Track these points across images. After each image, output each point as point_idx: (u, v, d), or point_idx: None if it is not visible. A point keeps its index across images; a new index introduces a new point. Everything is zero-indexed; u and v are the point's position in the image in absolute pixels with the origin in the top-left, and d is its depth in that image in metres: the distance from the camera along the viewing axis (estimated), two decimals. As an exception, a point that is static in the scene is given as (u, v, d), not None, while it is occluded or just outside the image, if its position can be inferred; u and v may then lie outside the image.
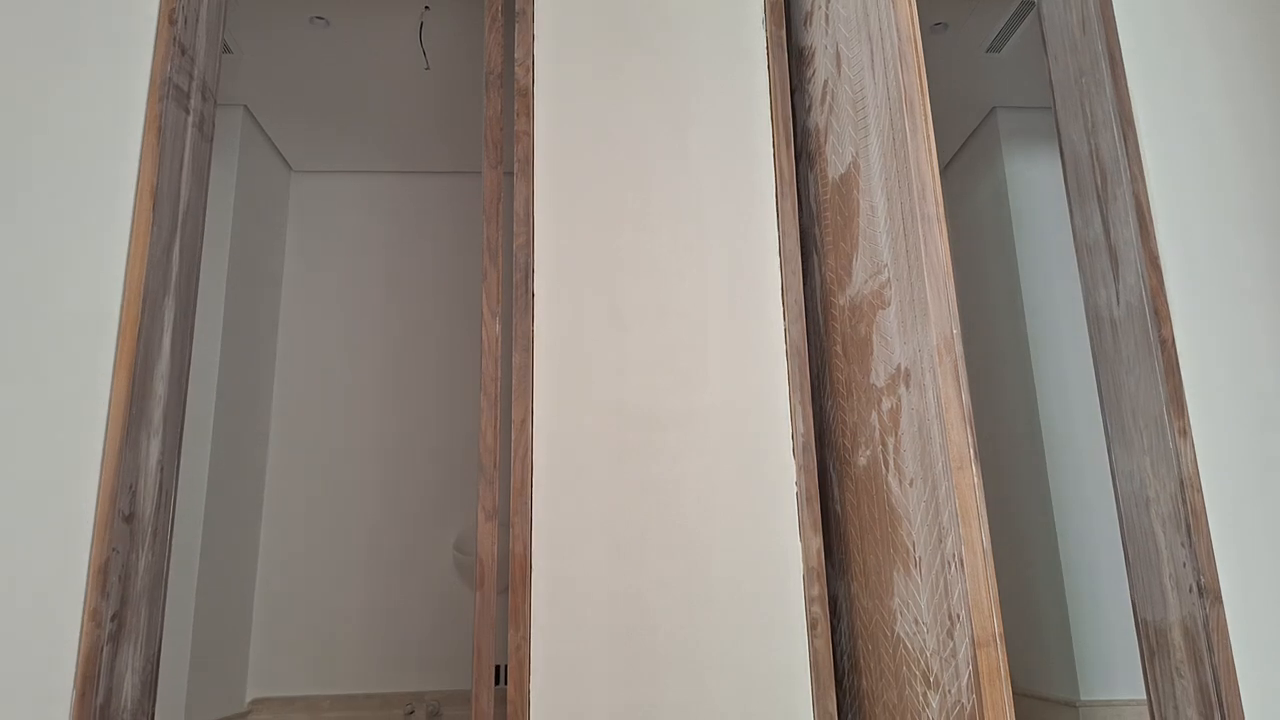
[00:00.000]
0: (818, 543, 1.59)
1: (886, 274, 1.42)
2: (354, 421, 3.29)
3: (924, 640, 1.27)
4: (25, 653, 1.37)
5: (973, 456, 1.18)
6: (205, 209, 1.74)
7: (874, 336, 1.47)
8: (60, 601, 1.39)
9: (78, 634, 1.38)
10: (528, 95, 1.78)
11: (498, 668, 2.84)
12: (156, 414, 1.54)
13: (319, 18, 2.60)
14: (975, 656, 1.11)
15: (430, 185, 3.55)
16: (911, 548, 1.31)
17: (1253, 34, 1.81)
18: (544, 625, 1.52)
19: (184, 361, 1.64)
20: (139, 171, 1.59)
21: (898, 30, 1.36)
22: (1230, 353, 1.62)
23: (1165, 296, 1.59)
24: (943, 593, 1.20)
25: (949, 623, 1.18)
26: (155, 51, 1.65)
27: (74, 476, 1.44)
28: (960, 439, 1.18)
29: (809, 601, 1.56)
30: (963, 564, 1.14)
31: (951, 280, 1.25)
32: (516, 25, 1.83)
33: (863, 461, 1.53)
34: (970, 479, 1.17)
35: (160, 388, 1.56)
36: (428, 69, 2.87)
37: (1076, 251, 1.77)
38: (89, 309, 1.52)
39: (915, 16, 1.35)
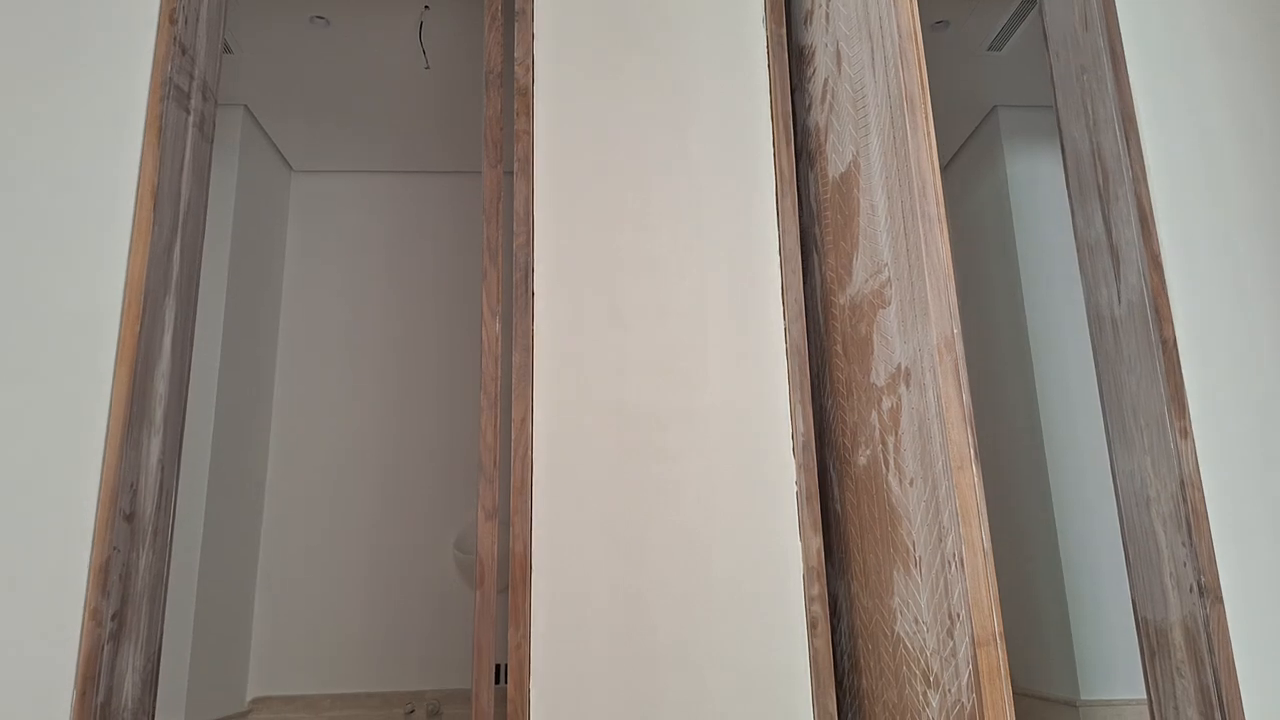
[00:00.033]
0: (818, 542, 1.58)
1: (887, 273, 1.42)
2: (354, 421, 3.29)
3: (924, 639, 1.27)
4: (26, 652, 1.37)
5: (973, 456, 1.17)
6: (206, 209, 1.74)
7: (874, 336, 1.47)
8: (61, 601, 1.39)
9: (78, 633, 1.38)
10: (527, 95, 1.78)
11: (498, 667, 2.84)
12: (157, 413, 1.54)
13: (319, 17, 2.60)
14: (975, 656, 1.11)
15: (430, 185, 3.55)
16: (911, 547, 1.31)
17: (1254, 32, 1.81)
18: (544, 624, 1.52)
19: (184, 361, 1.64)
20: (140, 171, 1.59)
21: (898, 28, 1.36)
22: (1231, 352, 1.62)
23: (1167, 296, 1.59)
24: (943, 592, 1.20)
25: (949, 622, 1.18)
26: (156, 51, 1.65)
27: (75, 475, 1.44)
28: (960, 438, 1.18)
29: (809, 601, 1.56)
30: (963, 563, 1.14)
31: (952, 279, 1.24)
32: (516, 24, 1.83)
33: (863, 461, 1.52)
34: (970, 478, 1.16)
35: (161, 387, 1.56)
36: (428, 68, 2.87)
37: (1078, 250, 1.77)
38: (90, 308, 1.52)
39: (916, 14, 1.35)
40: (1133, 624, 2.69)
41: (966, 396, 1.19)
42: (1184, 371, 1.59)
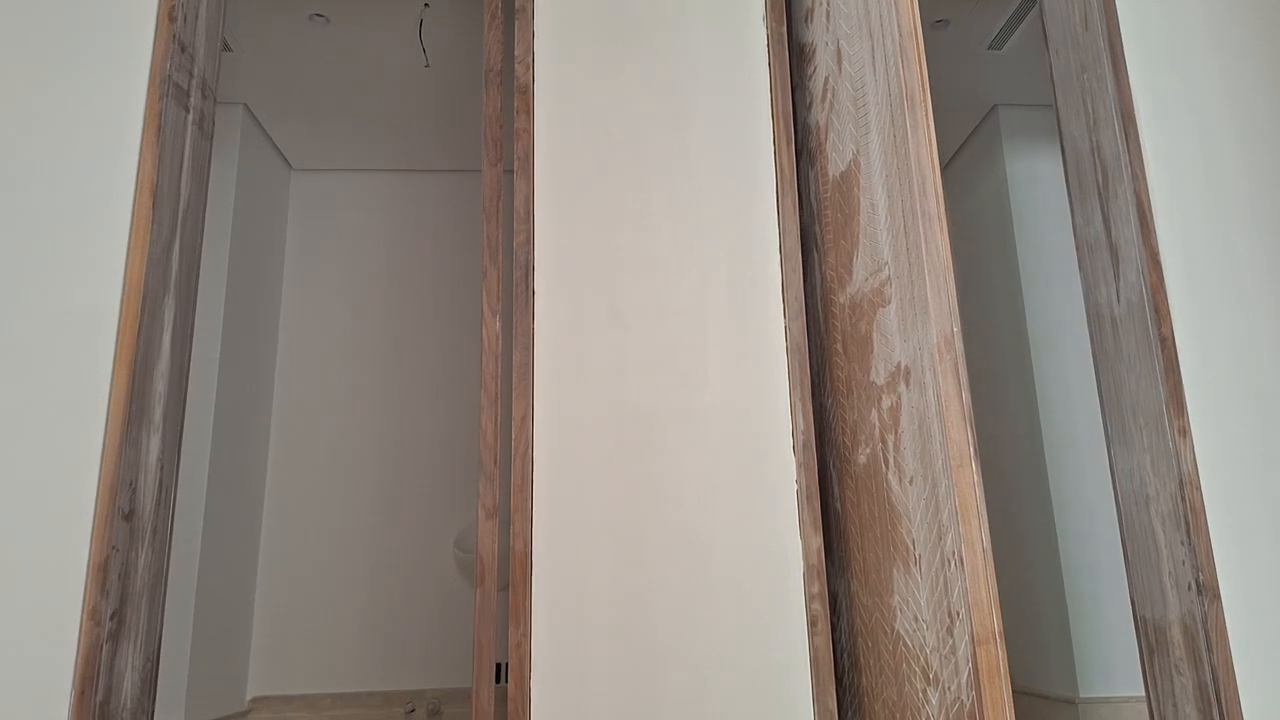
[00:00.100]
0: (818, 540, 1.58)
1: (887, 271, 1.42)
2: (354, 419, 3.29)
3: (924, 637, 1.27)
4: (24, 651, 1.37)
5: (972, 454, 1.17)
6: (205, 207, 1.73)
7: (874, 334, 1.47)
8: (59, 599, 1.39)
9: (77, 632, 1.38)
10: (527, 93, 1.77)
11: (498, 665, 2.84)
12: (156, 411, 1.54)
13: (319, 15, 2.59)
14: (975, 654, 1.11)
15: (430, 183, 3.55)
16: (911, 545, 1.31)
17: (1254, 31, 1.81)
18: (544, 622, 1.52)
19: (184, 359, 1.64)
20: (139, 170, 1.58)
21: (899, 26, 1.36)
22: (1230, 350, 1.62)
23: (1165, 294, 1.59)
24: (942, 590, 1.20)
25: (949, 620, 1.18)
26: (155, 49, 1.64)
27: (74, 474, 1.44)
28: (960, 437, 1.18)
29: (809, 599, 1.56)
30: (962, 561, 1.14)
31: (952, 278, 1.24)
32: (516, 23, 1.82)
33: (863, 459, 1.52)
34: (970, 477, 1.17)
35: (160, 385, 1.56)
36: (427, 66, 2.87)
37: (1077, 249, 1.77)
38: (89, 307, 1.52)
39: (916, 13, 1.35)
40: (1131, 622, 2.69)
41: (966, 395, 1.20)
42: (1183, 370, 1.59)
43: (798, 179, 1.90)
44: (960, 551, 1.14)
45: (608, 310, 1.68)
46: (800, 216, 1.88)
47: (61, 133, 1.59)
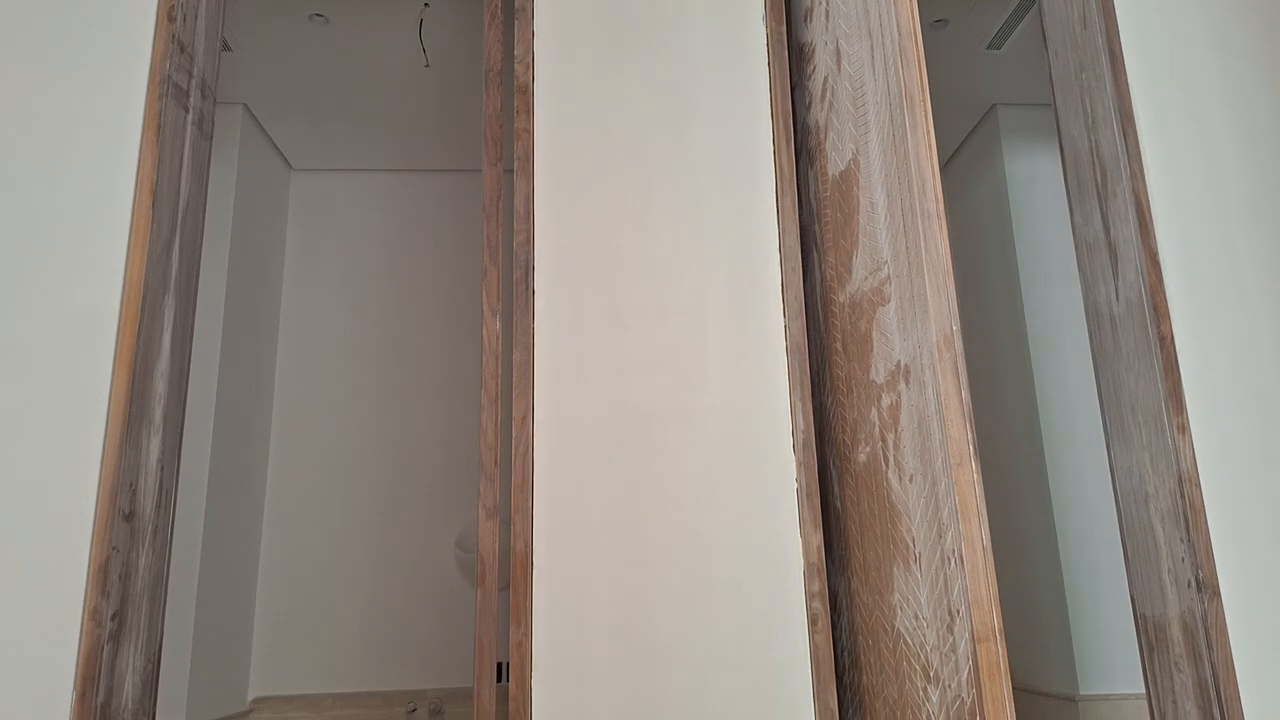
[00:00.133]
0: (818, 539, 1.59)
1: (886, 270, 1.42)
2: (354, 419, 3.29)
3: (924, 635, 1.28)
4: (25, 652, 1.37)
5: (972, 452, 1.18)
6: (205, 207, 1.73)
7: (874, 333, 1.47)
8: (60, 600, 1.39)
9: (78, 633, 1.38)
10: (527, 92, 1.78)
11: (499, 665, 2.84)
12: (157, 412, 1.54)
13: (318, 15, 2.60)
14: (975, 651, 1.11)
15: (430, 183, 3.55)
16: (911, 543, 1.32)
17: (1254, 32, 1.81)
18: (545, 622, 1.52)
19: (184, 359, 1.64)
20: (138, 169, 1.58)
21: (898, 26, 1.36)
22: (1229, 349, 1.62)
23: (1164, 293, 1.59)
24: (943, 588, 1.21)
25: (949, 618, 1.19)
26: (154, 49, 1.65)
27: (74, 475, 1.44)
28: (960, 435, 1.18)
29: (809, 597, 1.56)
30: (962, 560, 1.14)
31: (951, 277, 1.25)
32: (516, 22, 1.83)
33: (863, 458, 1.53)
34: (970, 475, 1.17)
35: (160, 386, 1.56)
36: (427, 66, 2.87)
37: (1076, 248, 1.77)
38: (89, 307, 1.52)
39: (915, 12, 1.35)
40: (1131, 620, 2.70)
41: (965, 393, 1.20)
42: (1182, 368, 1.59)
43: (797, 178, 1.90)
44: (960, 549, 1.15)
45: (608, 310, 1.68)
46: (800, 216, 1.88)
47: (61, 133, 1.59)
